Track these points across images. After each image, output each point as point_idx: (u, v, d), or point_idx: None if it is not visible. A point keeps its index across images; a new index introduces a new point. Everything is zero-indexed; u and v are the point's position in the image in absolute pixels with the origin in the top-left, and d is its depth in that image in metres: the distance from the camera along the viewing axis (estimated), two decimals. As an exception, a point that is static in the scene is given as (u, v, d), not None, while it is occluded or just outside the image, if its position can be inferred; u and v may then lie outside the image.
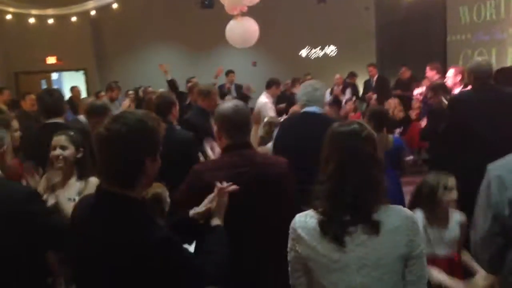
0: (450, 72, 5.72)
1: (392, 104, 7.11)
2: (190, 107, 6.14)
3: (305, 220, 1.80)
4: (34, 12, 7.09)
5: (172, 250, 1.63)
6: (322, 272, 1.74)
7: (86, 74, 11.92)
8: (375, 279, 1.69)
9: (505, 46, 9.72)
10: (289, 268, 1.87)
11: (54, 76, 12.71)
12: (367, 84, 10.33)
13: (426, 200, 2.86)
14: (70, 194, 2.81)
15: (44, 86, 11.17)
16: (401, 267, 1.73)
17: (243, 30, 5.91)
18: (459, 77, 5.43)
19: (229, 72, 9.99)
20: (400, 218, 1.75)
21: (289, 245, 1.85)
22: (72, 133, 2.93)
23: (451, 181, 2.84)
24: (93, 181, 2.80)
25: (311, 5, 11.98)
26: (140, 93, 8.99)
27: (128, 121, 1.63)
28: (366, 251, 1.69)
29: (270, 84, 6.86)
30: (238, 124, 2.35)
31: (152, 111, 4.17)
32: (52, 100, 3.84)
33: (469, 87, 4.58)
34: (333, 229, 1.72)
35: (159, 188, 2.74)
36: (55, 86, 9.78)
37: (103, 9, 7.36)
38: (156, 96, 5.07)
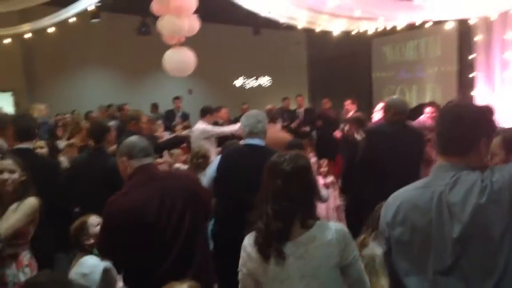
0: (378, 107, 6.26)
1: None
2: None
3: (251, 240, 2.00)
4: (-36, 33, 6.87)
5: None
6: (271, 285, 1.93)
7: (14, 95, 11.51)
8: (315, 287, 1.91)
9: (424, 84, 10.59)
10: (240, 285, 2.05)
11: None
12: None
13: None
14: None
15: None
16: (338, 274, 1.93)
17: (180, 60, 6.02)
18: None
19: (175, 99, 10.39)
20: (331, 232, 1.95)
21: (240, 263, 2.03)
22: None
23: None
24: (29, 201, 2.89)
25: (246, 37, 12.34)
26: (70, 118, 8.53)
27: None
28: (304, 263, 1.90)
29: (205, 113, 6.71)
30: (144, 148, 2.61)
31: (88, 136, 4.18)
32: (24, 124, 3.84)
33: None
34: (270, 249, 1.92)
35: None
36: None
37: (39, 32, 7.22)
38: (90, 123, 5.07)
